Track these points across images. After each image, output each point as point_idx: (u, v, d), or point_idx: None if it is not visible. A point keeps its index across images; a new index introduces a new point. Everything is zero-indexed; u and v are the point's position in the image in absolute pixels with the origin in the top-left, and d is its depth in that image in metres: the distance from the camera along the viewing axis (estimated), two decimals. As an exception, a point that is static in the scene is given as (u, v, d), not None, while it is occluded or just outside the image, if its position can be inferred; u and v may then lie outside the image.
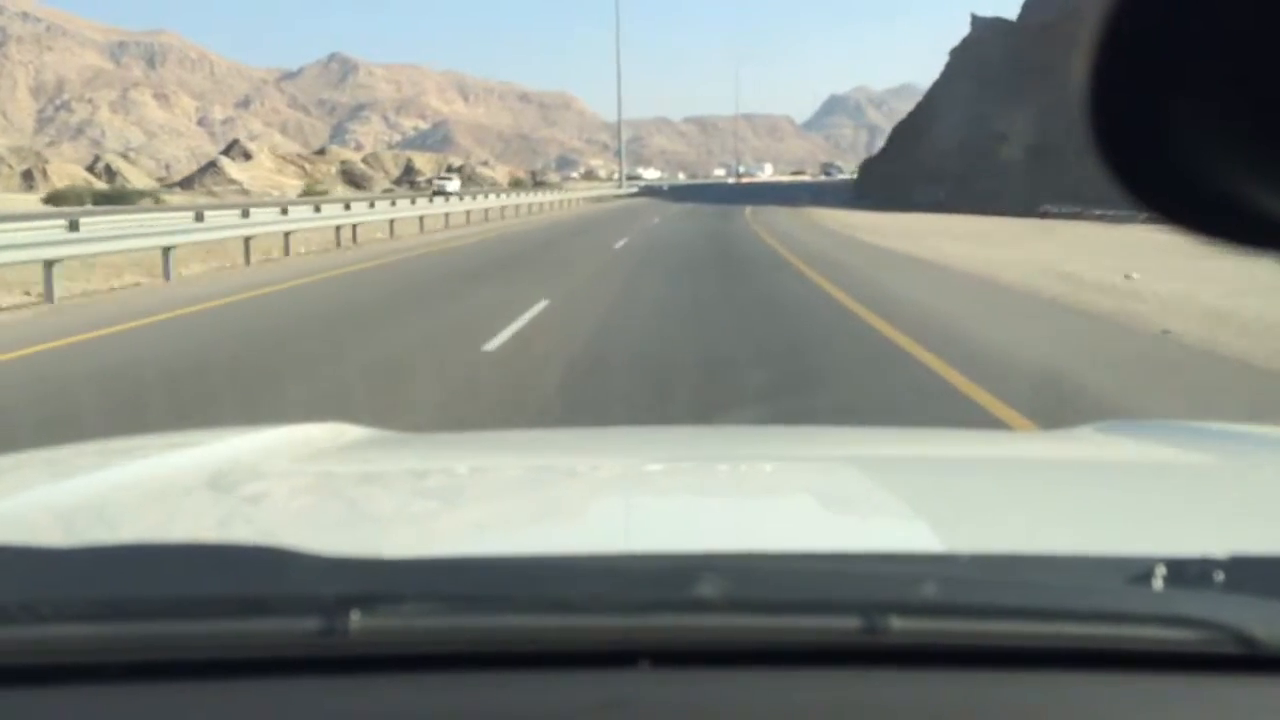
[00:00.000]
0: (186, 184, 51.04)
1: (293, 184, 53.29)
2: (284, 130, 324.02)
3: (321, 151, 79.36)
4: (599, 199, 62.76)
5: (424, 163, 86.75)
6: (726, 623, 0.81)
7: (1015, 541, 1.18)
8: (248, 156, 55.45)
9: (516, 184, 65.00)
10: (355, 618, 0.78)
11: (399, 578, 0.85)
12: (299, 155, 66.81)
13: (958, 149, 48.55)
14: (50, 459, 1.71)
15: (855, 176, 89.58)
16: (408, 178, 72.39)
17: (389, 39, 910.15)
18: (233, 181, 48.86)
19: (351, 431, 1.96)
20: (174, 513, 1.40)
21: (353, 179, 62.33)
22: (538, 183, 65.95)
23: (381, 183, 65.86)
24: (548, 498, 1.54)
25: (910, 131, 58.26)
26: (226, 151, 57.96)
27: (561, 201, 51.41)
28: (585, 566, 0.90)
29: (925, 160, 50.62)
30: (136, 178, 58.97)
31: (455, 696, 0.79)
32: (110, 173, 56.62)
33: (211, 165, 52.10)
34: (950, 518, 1.33)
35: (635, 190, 77.83)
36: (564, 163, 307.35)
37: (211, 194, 43.70)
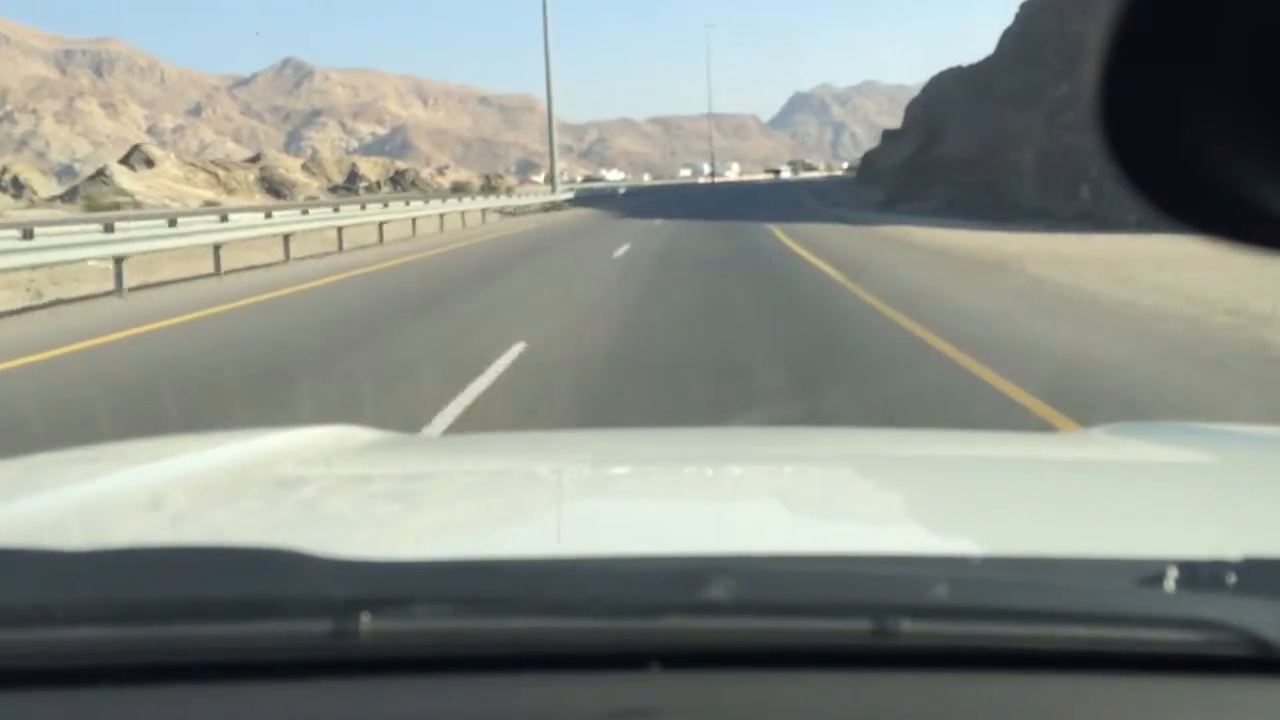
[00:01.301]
0: (70, 196, 43.65)
1: (200, 193, 46.23)
2: (237, 138, 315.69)
3: (256, 158, 72.19)
4: (514, 211, 41.07)
5: (369, 168, 79.99)
6: (736, 625, 0.81)
7: (1026, 544, 1.16)
8: (150, 163, 48.47)
9: (458, 189, 58.08)
10: (365, 620, 0.78)
11: (409, 580, 0.85)
12: (212, 161, 59.61)
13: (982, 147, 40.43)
14: (64, 461, 1.72)
15: (851, 174, 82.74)
16: (350, 184, 66.50)
17: (344, 43, 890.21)
18: (123, 192, 41.54)
19: (362, 434, 1.96)
20: (185, 515, 1.41)
21: (273, 187, 55.22)
22: (488, 188, 59.05)
23: (310, 190, 58.70)
24: (558, 500, 1.55)
25: (925, 124, 50.16)
26: (127, 158, 50.67)
27: (440, 218, 29.47)
28: (595, 569, 0.89)
29: (950, 156, 41.46)
30: (46, 189, 52.74)
31: (465, 698, 0.79)
32: (18, 185, 49.93)
33: (100, 174, 44.64)
34: (961, 520, 1.32)
35: (570, 197, 51.01)
36: (526, 166, 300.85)
37: (92, 207, 36.50)
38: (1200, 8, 0.58)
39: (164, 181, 46.35)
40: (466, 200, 37.78)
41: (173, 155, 52.25)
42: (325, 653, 0.80)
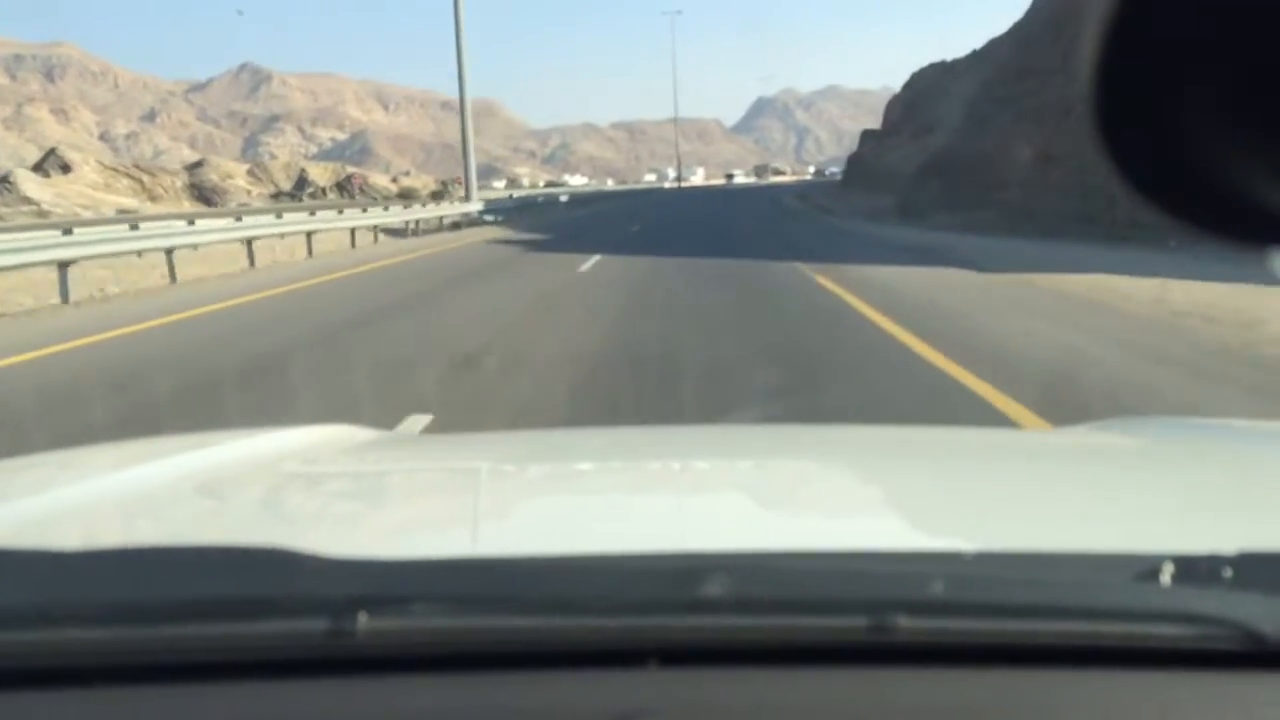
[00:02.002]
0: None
1: (119, 201, 42.52)
2: (192, 144, 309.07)
3: (200, 163, 68.62)
4: (405, 229, 28.63)
5: (319, 173, 76.39)
6: (734, 622, 0.81)
7: (1022, 539, 1.17)
8: (66, 168, 44.77)
9: (405, 195, 54.64)
10: (363, 619, 0.78)
11: (406, 579, 0.85)
12: (136, 166, 55.84)
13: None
14: (61, 461, 1.74)
15: (823, 178, 79.61)
16: (298, 191, 63.10)
17: (303, 48, 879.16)
18: (28, 201, 37.75)
19: (359, 434, 1.97)
20: (182, 515, 1.42)
21: (203, 195, 51.62)
22: (440, 194, 55.71)
23: (250, 197, 55.10)
24: (555, 498, 1.55)
25: (917, 122, 46.31)
26: (41, 164, 46.92)
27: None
28: (592, 566, 0.89)
29: (960, 158, 37.00)
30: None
31: (463, 697, 0.79)
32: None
33: (3, 180, 40.78)
34: (956, 516, 1.32)
35: (480, 209, 36.48)
36: (488, 171, 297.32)
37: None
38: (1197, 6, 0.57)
39: (79, 188, 42.67)
40: (350, 214, 26.54)
41: (93, 160, 48.35)
42: (323, 652, 0.80)
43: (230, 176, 63.59)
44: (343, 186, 60.48)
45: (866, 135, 57.06)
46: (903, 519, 1.35)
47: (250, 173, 71.90)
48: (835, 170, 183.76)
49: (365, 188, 62.89)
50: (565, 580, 0.85)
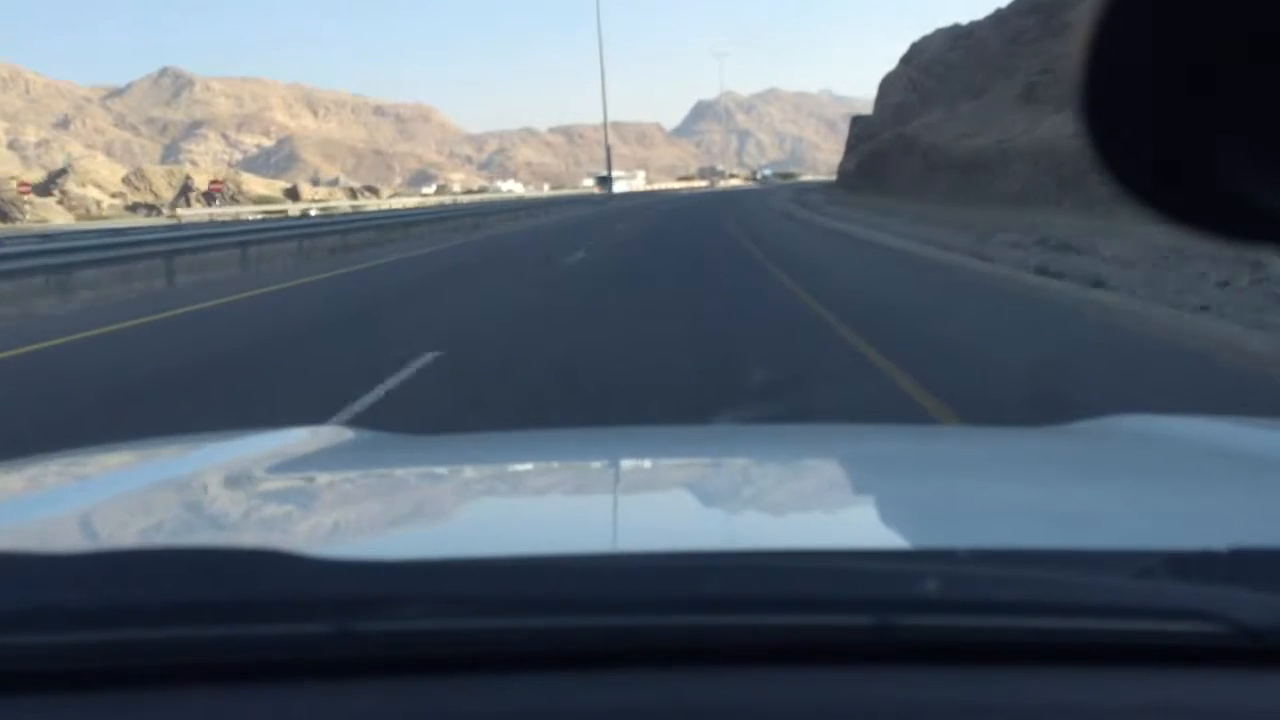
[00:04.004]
0: None
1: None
2: (109, 151, 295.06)
3: (63, 171, 60.95)
4: None
5: (204, 180, 68.91)
6: (730, 622, 0.81)
7: (1017, 537, 1.17)
8: None
9: (263, 203, 46.38)
10: (360, 621, 0.79)
11: (402, 580, 0.85)
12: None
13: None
14: (50, 465, 1.72)
15: (765, 182, 70.53)
16: (179, 199, 56.67)
17: (228, 51, 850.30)
18: None
19: (349, 434, 1.98)
20: (173, 518, 1.41)
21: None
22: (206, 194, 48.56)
23: (104, 210, 46.48)
24: (551, 498, 1.55)
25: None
26: None
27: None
28: (590, 566, 0.89)
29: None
30: None
31: (459, 699, 0.79)
32: None
33: None
34: (951, 514, 1.33)
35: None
36: (422, 177, 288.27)
37: None
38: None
39: None
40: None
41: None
42: (318, 654, 0.80)
43: (98, 185, 54.93)
44: (210, 196, 52.62)
45: (857, 120, 49.38)
46: (900, 518, 1.33)
47: (127, 181, 64.77)
48: (767, 173, 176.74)
49: (238, 196, 54.91)
50: (561, 581, 0.84)
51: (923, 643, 0.80)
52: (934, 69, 52.47)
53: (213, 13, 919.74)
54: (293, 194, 60.43)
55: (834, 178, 70.05)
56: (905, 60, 60.66)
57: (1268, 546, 0.87)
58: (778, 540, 1.17)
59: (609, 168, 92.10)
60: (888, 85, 62.89)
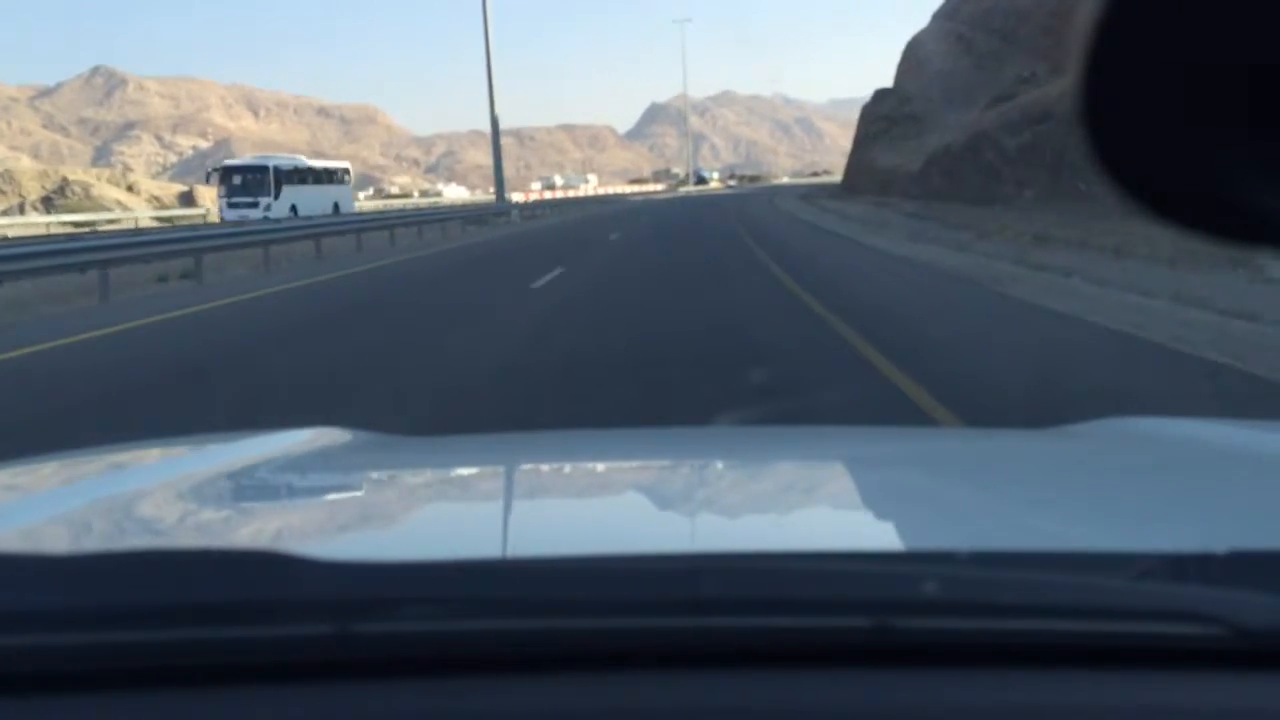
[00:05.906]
0: None
1: None
2: (36, 154, 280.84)
3: None
4: None
5: (90, 178, 58.34)
6: (729, 624, 0.81)
7: (1015, 539, 1.18)
8: None
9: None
10: (359, 622, 0.79)
11: (400, 582, 0.85)
12: None
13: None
14: (51, 466, 1.72)
15: (734, 186, 61.00)
16: (49, 201, 47.96)
17: (164, 50, 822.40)
18: None
19: (348, 435, 1.97)
20: (174, 519, 1.41)
21: None
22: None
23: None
24: (550, 500, 1.55)
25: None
26: None
27: None
28: (589, 568, 0.89)
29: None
30: None
31: (458, 701, 0.79)
32: None
33: None
34: (950, 516, 1.33)
35: None
36: (367, 181, 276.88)
37: None
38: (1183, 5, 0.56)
39: None
40: None
41: None
42: (317, 655, 0.80)
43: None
44: (50, 199, 43.41)
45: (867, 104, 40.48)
46: (899, 519, 1.33)
47: (-10, 179, 55.26)
48: (707, 174, 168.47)
49: (91, 197, 45.81)
50: (559, 583, 0.84)
51: (922, 645, 0.80)
52: (992, 19, 42.89)
53: (149, 11, 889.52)
54: (188, 199, 50.81)
55: (818, 180, 60.62)
56: (944, 14, 50.70)
57: (1266, 548, 0.88)
58: (777, 542, 1.17)
59: (499, 176, 54.47)
60: (914, 51, 53.24)
